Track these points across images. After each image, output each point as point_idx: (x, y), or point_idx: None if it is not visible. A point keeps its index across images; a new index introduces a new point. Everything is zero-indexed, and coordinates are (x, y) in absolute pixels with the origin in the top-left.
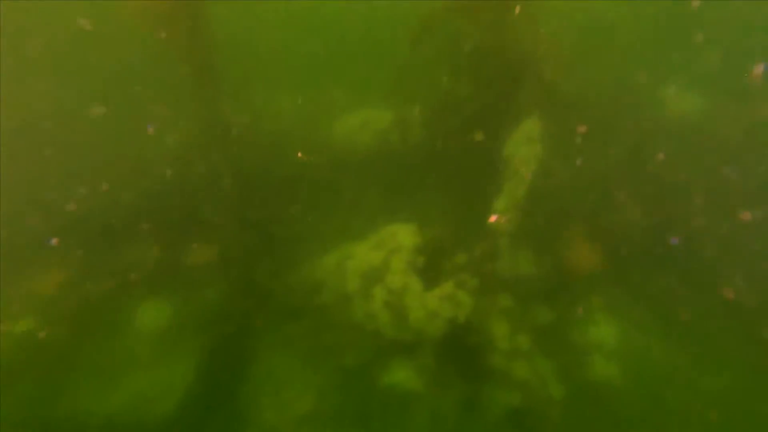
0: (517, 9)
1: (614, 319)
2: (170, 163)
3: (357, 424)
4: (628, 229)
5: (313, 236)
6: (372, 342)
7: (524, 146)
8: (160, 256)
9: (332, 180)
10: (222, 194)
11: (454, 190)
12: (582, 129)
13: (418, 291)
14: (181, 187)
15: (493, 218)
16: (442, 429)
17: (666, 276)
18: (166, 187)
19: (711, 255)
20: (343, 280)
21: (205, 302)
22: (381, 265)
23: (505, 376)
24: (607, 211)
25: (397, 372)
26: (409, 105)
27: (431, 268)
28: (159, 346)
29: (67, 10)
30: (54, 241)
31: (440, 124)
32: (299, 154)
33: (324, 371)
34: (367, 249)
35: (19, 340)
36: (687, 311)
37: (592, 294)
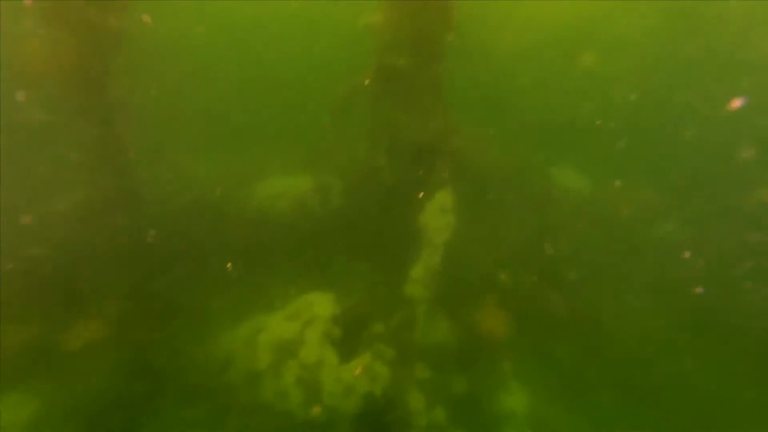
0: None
1: (525, 386)
2: (62, 229)
3: None
4: (533, 297)
5: (223, 307)
6: (282, 424)
7: (438, 216)
8: (29, 337)
9: (247, 247)
10: (122, 263)
11: (372, 259)
12: (490, 199)
13: (333, 364)
14: (72, 255)
15: None
16: None
17: (568, 342)
18: (53, 254)
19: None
20: (254, 355)
21: (86, 390)
22: (295, 338)
23: None
24: (515, 279)
25: None
26: (328, 173)
27: (348, 339)
28: None
29: None
30: None
31: (359, 192)
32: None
33: None
34: (281, 320)
35: None
36: (593, 376)
37: (504, 360)
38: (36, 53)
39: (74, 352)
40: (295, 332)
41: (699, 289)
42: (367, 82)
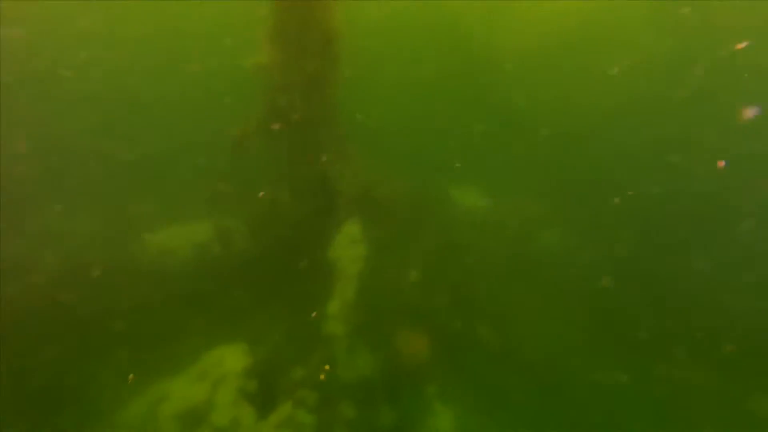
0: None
1: (450, 406)
2: None
3: None
4: (448, 316)
5: (116, 378)
6: None
7: (349, 247)
8: None
9: (143, 304)
10: None
11: (283, 300)
12: (397, 225)
13: (250, 423)
14: None
15: None
16: None
17: (486, 356)
18: None
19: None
20: (155, 430)
21: None
22: (204, 402)
23: None
24: (428, 301)
25: None
26: (229, 216)
27: (265, 391)
28: None
29: None
30: None
31: (263, 233)
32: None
33: None
34: (186, 384)
35: None
36: (512, 385)
37: (428, 384)
38: None
39: None
40: (204, 395)
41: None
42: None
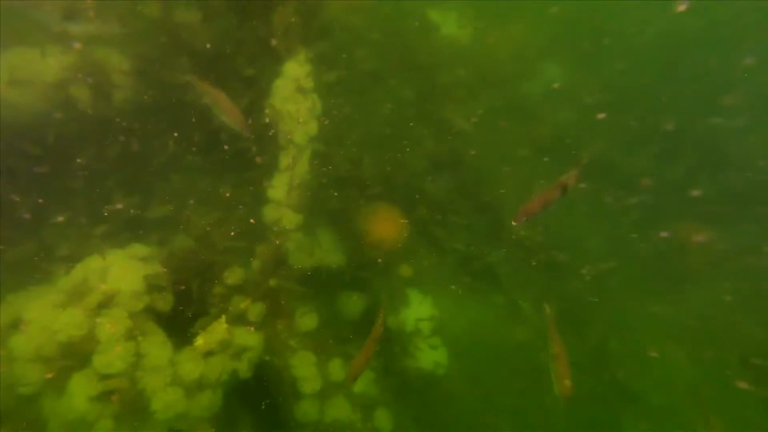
0: None
1: (426, 292)
2: None
3: None
4: (428, 181)
5: None
6: None
7: (294, 100)
8: None
9: None
10: None
11: (206, 176)
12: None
13: (163, 358)
14: None
15: None
16: None
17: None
18: None
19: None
20: (9, 377)
21: None
22: (80, 337)
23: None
24: (400, 164)
25: None
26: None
27: (185, 308)
28: None
29: None
30: None
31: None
32: None
33: None
34: (46, 307)
35: None
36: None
37: (401, 266)
38: None
39: None
40: (76, 325)
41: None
42: None
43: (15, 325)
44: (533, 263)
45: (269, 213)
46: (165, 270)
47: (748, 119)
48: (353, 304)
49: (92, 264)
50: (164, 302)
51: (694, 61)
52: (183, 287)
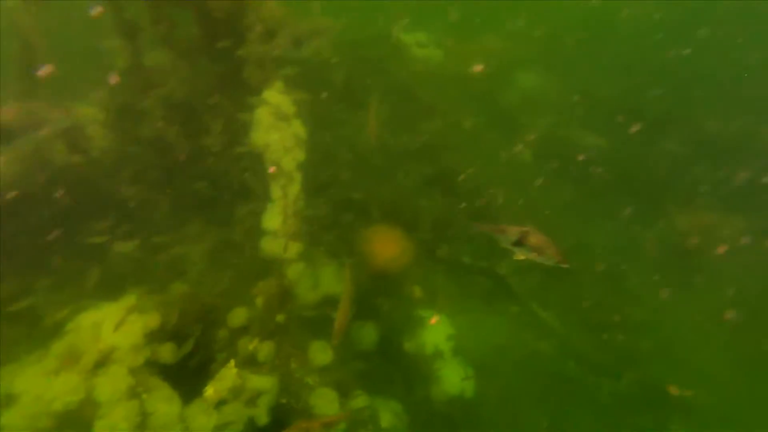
0: None
1: (439, 311)
2: None
3: None
4: (424, 197)
5: None
6: None
7: (277, 128)
8: None
9: None
10: None
11: (198, 217)
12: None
13: (172, 414)
14: None
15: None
16: None
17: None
18: None
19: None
20: None
21: None
22: (78, 403)
23: None
24: (396, 183)
25: None
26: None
27: (190, 357)
28: None
29: None
30: None
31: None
32: None
33: None
34: (38, 375)
35: None
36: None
37: (410, 287)
38: None
39: None
40: (71, 389)
41: None
42: None
43: (6, 401)
44: (544, 269)
45: (267, 245)
46: (164, 319)
47: None
48: (366, 333)
49: (84, 321)
50: (167, 353)
51: None
52: (185, 335)
